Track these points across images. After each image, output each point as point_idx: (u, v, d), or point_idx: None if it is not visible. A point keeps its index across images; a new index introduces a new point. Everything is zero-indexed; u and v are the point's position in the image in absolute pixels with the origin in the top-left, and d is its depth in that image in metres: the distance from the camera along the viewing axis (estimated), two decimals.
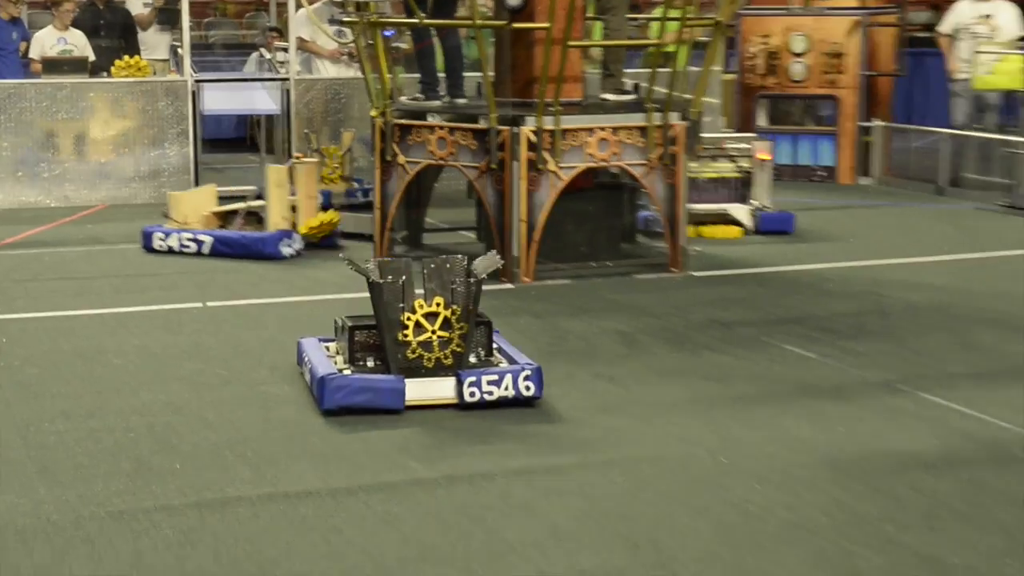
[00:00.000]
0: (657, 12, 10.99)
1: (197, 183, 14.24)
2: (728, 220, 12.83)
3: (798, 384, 8.16)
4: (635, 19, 14.24)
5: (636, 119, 11.02)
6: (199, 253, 11.85)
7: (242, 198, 12.81)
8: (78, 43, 15.63)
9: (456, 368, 7.30)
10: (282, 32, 15.99)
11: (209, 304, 10.11)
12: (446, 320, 7.28)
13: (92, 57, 15.51)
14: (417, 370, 7.24)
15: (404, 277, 7.34)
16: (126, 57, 15.40)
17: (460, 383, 7.20)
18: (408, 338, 7.17)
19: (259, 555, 5.67)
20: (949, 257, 11.87)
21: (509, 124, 10.65)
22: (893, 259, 11.77)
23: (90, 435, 7.18)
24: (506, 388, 7.23)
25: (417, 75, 12.62)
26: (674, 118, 11.07)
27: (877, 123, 16.35)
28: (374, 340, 7.53)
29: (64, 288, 10.57)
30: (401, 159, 11.28)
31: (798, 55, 16.03)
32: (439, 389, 7.30)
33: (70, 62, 15.31)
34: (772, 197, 13.26)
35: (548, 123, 10.62)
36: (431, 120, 11.35)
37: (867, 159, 16.21)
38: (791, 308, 10.12)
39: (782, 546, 5.79)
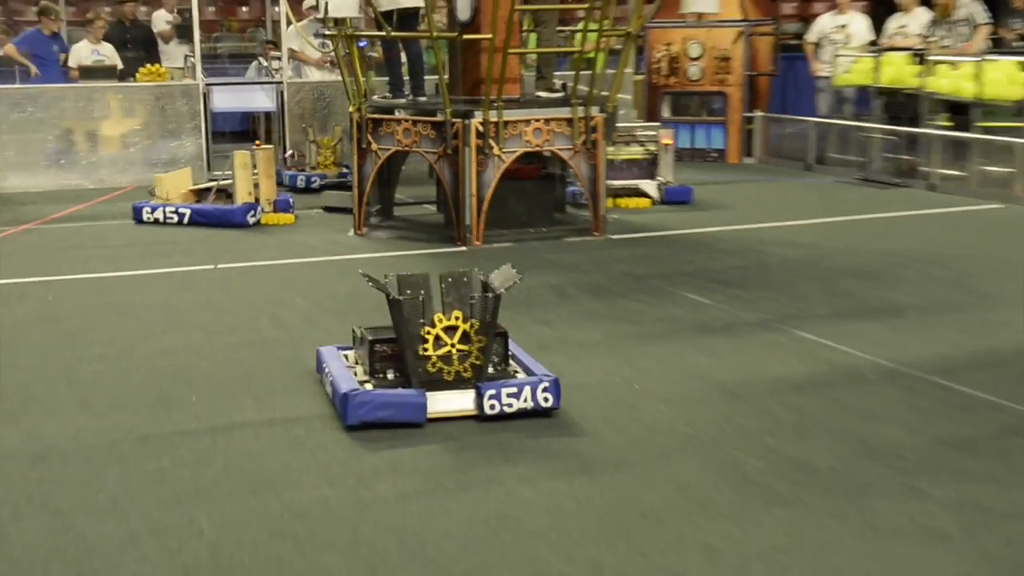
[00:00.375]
0: (580, 25, 10.92)
1: (209, 169, 14.14)
2: (639, 193, 12.83)
3: (695, 324, 8.19)
4: (563, 31, 14.20)
5: (564, 112, 10.99)
6: (180, 223, 11.85)
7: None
8: (109, 54, 15.51)
9: (476, 380, 6.27)
10: (276, 44, 15.84)
11: (220, 266, 10.02)
12: (465, 333, 6.28)
13: (120, 65, 15.41)
14: (437, 383, 6.20)
15: (423, 292, 6.37)
16: (148, 65, 15.30)
17: (480, 396, 6.13)
18: (428, 352, 6.17)
19: (261, 470, 5.67)
20: (816, 220, 11.91)
21: (461, 117, 10.60)
22: (771, 223, 11.81)
23: (121, 373, 7.15)
24: (525, 400, 6.18)
25: (386, 78, 12.59)
26: (594, 111, 11.02)
27: (758, 114, 16.39)
28: (393, 351, 6.44)
29: (99, 255, 10.49)
30: (374, 147, 11.21)
31: (694, 59, 16.06)
32: (459, 402, 6.21)
33: (102, 70, 15.23)
34: (674, 174, 13.25)
35: (492, 116, 10.56)
36: (398, 115, 11.30)
37: (750, 143, 16.25)
38: (690, 263, 10.12)
39: (684, 455, 5.81)
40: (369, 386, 6.21)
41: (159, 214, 11.91)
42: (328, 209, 12.47)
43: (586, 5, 11.14)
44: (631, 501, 5.25)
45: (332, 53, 12.08)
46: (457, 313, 6.25)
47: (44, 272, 9.83)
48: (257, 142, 13.15)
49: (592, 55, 10.83)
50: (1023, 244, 10.67)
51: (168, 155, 14.38)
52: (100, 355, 7.54)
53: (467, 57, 11.36)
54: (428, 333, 6.20)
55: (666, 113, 16.17)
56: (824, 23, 16.65)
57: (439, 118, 10.76)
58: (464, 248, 10.65)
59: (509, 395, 6.12)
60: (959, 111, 14.36)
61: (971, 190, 13.16)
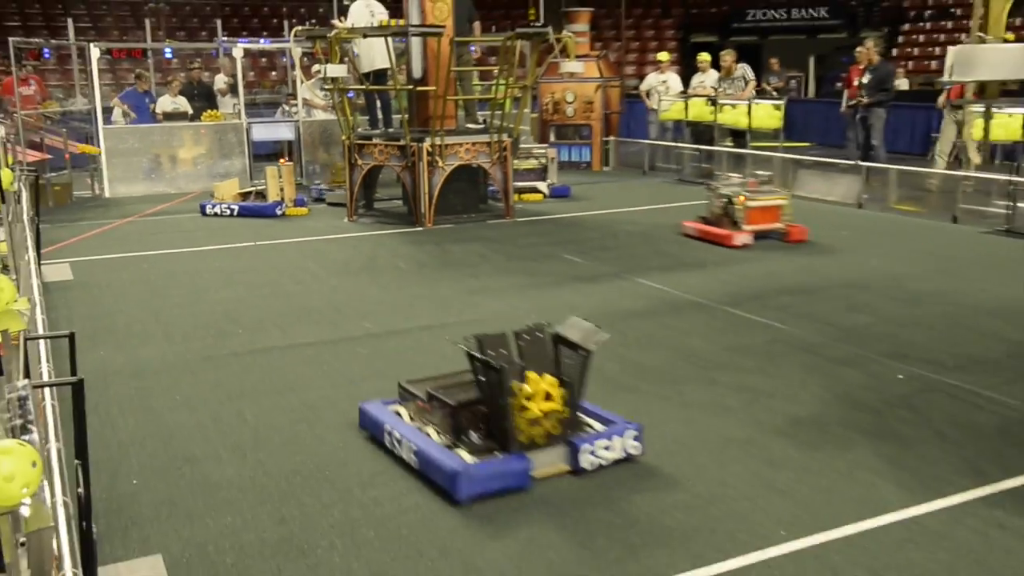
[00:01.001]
0: (495, 81, 10.83)
1: (251, 178, 13.85)
2: (535, 190, 12.76)
3: (571, 275, 8.16)
4: (484, 84, 14.06)
5: (484, 138, 10.88)
6: (231, 215, 11.61)
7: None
8: (182, 104, 15.13)
9: (564, 436, 4.29)
10: (294, 95, 15.51)
11: (258, 243, 9.85)
12: (550, 393, 4.25)
13: (190, 111, 15.05)
14: (531, 445, 4.21)
15: (515, 358, 4.39)
16: (210, 111, 14.99)
17: (576, 451, 4.26)
18: (528, 415, 4.15)
19: (285, 378, 5.61)
20: (648, 207, 11.92)
21: (417, 142, 10.45)
22: (620, 208, 11.81)
23: (191, 315, 7.03)
24: (617, 450, 4.33)
25: (366, 117, 12.41)
26: (504, 137, 10.94)
27: (611, 138, 16.33)
28: (476, 413, 4.37)
29: (177, 237, 10.29)
30: (359, 162, 11.03)
31: (569, 103, 15.95)
32: (556, 459, 4.26)
33: (178, 115, 14.88)
34: (558, 178, 13.20)
35: (437, 140, 10.44)
36: (375, 141, 11.12)
37: (607, 157, 16.19)
38: (568, 236, 10.10)
39: None
40: (464, 454, 4.14)
41: (217, 209, 11.66)
42: (331, 204, 12.30)
43: (497, 68, 11.08)
44: None
45: (331, 101, 11.84)
46: (552, 380, 4.27)
47: (141, 248, 9.62)
48: (282, 160, 12.93)
49: (503, 100, 10.75)
50: None
51: (223, 170, 14.09)
52: (177, 303, 7.41)
53: (420, 102, 11.21)
54: (525, 397, 4.19)
55: (552, 138, 16.07)
56: (651, 79, 16.69)
57: (402, 142, 10.63)
58: (421, 228, 10.52)
59: (604, 448, 4.32)
60: (738, 136, 14.51)
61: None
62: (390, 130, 11.74)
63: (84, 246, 9.85)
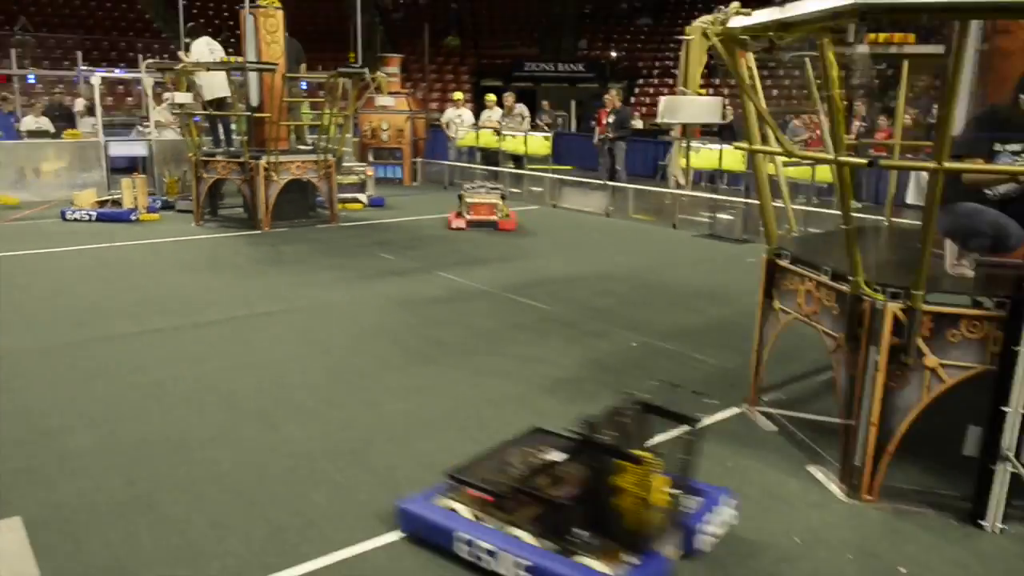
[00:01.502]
0: (323, 109, 10.50)
1: (108, 189, 12.75)
2: (355, 200, 12.49)
3: (385, 270, 8.02)
4: (314, 112, 13.65)
5: (313, 157, 10.54)
6: (90, 220, 10.72)
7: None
8: (45, 124, 13.84)
9: (674, 519, 3.01)
10: (148, 117, 14.46)
11: (114, 244, 9.14)
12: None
13: (53, 130, 13.78)
14: (648, 535, 2.88)
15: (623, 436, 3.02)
16: (70, 130, 13.78)
17: (691, 534, 3.08)
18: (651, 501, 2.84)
19: (137, 359, 5.24)
20: (447, 215, 11.90)
21: (255, 159, 10.00)
22: (425, 216, 11.73)
23: (52, 307, 6.43)
24: (722, 525, 3.23)
25: (210, 137, 11.77)
26: (329, 157, 10.65)
27: (419, 159, 16.22)
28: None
29: (39, 239, 9.37)
30: (205, 176, 10.45)
31: (384, 130, 15.70)
32: (673, 545, 2.99)
33: (42, 133, 13.59)
34: (375, 190, 12.98)
35: (272, 159, 10.03)
36: (218, 158, 10.54)
37: (416, 174, 16.06)
38: (383, 238, 9.93)
39: (378, 338, 5.70)
40: (592, 562, 2.81)
41: (76, 216, 10.72)
42: (180, 211, 11.57)
43: (324, 100, 10.76)
44: (350, 366, 5.14)
45: (178, 123, 11.16)
46: (666, 480, 2.90)
47: (7, 249, 8.70)
48: (135, 173, 12.01)
49: (328, 126, 10.46)
50: (549, 225, 11.02)
51: (82, 182, 12.86)
52: (40, 297, 6.76)
53: (257, 126, 10.72)
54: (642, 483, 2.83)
55: (371, 158, 15.74)
56: (449, 113, 16.66)
57: (242, 159, 10.14)
58: (259, 231, 10.08)
59: (715, 524, 3.19)
60: (517, 159, 14.76)
61: (525, 199, 13.47)
62: (231, 149, 11.18)
63: None
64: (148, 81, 12.88)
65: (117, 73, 17.21)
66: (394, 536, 3.20)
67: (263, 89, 10.60)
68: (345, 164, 12.89)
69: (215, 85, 10.72)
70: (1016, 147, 3.62)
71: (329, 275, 7.79)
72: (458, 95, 17.52)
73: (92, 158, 13.38)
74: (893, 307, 3.41)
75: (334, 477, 3.67)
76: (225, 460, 3.80)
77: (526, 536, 2.97)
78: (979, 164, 3.58)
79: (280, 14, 10.61)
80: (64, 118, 14.87)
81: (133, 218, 10.79)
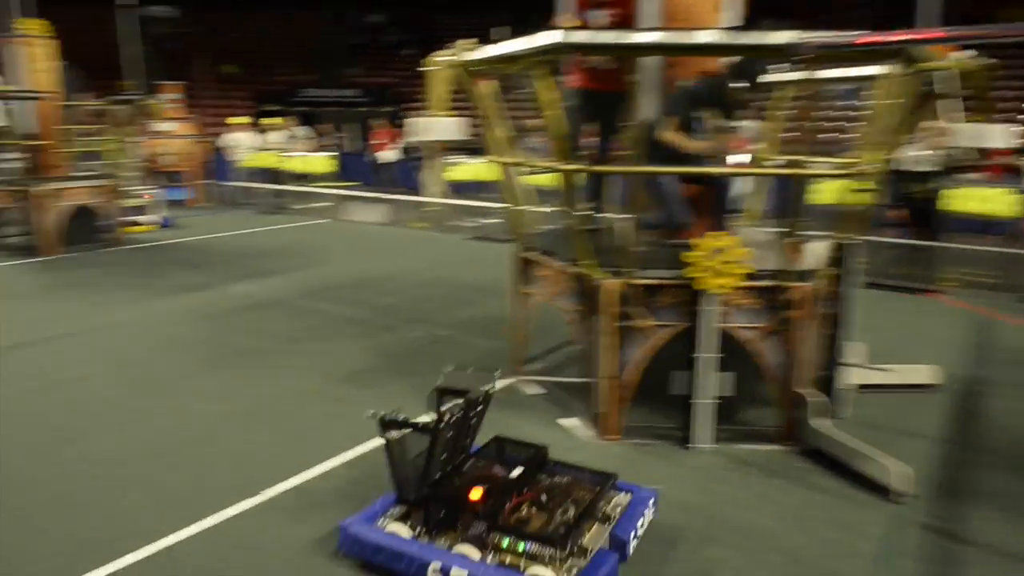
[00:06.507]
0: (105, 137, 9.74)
1: None
2: (141, 223, 11.63)
3: (180, 286, 7.64)
4: (95, 138, 12.55)
5: (96, 182, 9.76)
6: None
7: None
8: None
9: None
10: None
11: None
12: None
13: None
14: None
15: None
16: None
17: (626, 545, 2.82)
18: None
19: (36, 368, 4.68)
20: (236, 232, 11.46)
21: (33, 187, 9.08)
22: (214, 234, 11.23)
23: None
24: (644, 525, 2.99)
25: None
26: (111, 181, 9.91)
27: (205, 181, 15.39)
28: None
29: None
30: None
31: (168, 154, 14.73)
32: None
33: None
34: (164, 212, 12.20)
35: (53, 185, 9.17)
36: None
37: (205, 196, 15.18)
38: (173, 257, 9.41)
39: (177, 351, 5.50)
40: (542, 570, 2.52)
41: None
42: None
43: (102, 127, 9.99)
44: (153, 377, 4.94)
45: None
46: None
47: None
48: None
49: (107, 151, 9.74)
50: (335, 236, 10.97)
51: None
52: None
53: (37, 153, 9.75)
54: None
55: (156, 181, 14.71)
56: (228, 137, 16.03)
57: (22, 188, 9.19)
58: (48, 258, 9.18)
59: (641, 527, 2.96)
60: (303, 178, 14.46)
61: (311, 215, 13.25)
62: (8, 177, 10.06)
63: None
64: None
65: None
66: (210, 522, 3.20)
67: (38, 117, 9.66)
68: (128, 188, 12.00)
69: None
70: (701, 114, 4.25)
71: (125, 294, 7.31)
72: (234, 119, 16.86)
73: None
74: (615, 283, 3.93)
75: (149, 479, 3.58)
76: (36, 473, 3.58)
77: (473, 552, 2.64)
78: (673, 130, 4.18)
79: (52, 43, 9.72)
80: None
81: None
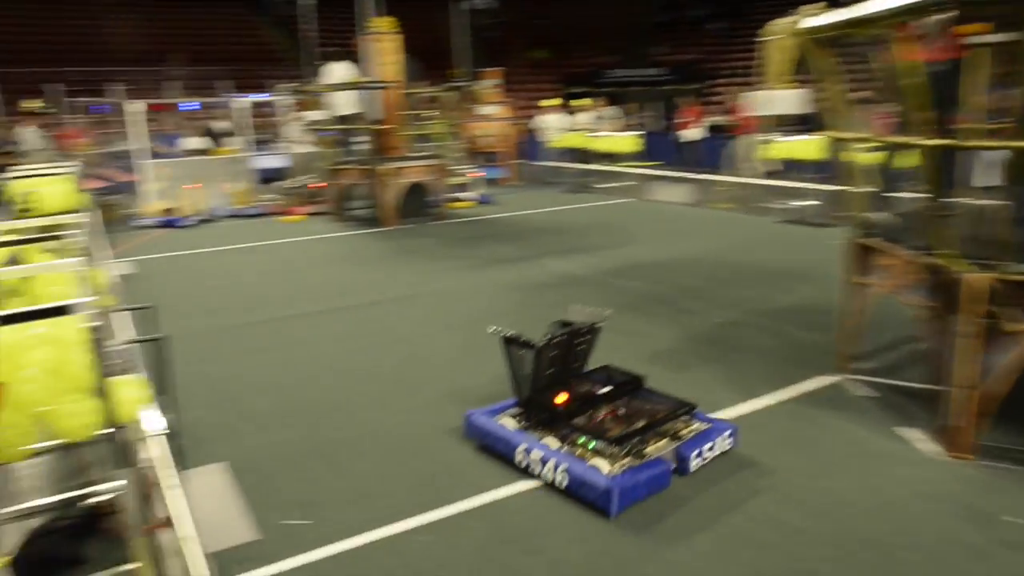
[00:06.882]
0: (434, 120, 10.67)
1: (256, 197, 13.33)
2: (464, 199, 12.70)
3: (496, 259, 8.17)
4: (428, 122, 13.91)
5: (426, 162, 10.85)
6: (154, 227, 11.27)
7: None
8: (203, 143, 14.51)
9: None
10: (283, 134, 14.97)
11: (265, 243, 9.64)
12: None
13: (208, 147, 14.41)
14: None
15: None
16: (221, 148, 14.41)
17: (686, 459, 3.35)
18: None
19: (294, 337, 5.54)
20: (547, 209, 11.98)
21: (379, 165, 10.31)
22: (527, 211, 11.86)
23: (222, 297, 6.88)
24: (717, 449, 3.47)
25: (342, 148, 12.10)
26: (442, 161, 10.92)
27: (519, 161, 16.36)
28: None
29: (203, 240, 9.88)
30: (338, 181, 10.87)
31: (488, 135, 15.86)
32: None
33: (199, 151, 14.26)
34: (482, 190, 13.20)
35: (393, 164, 10.33)
36: (348, 166, 10.89)
37: (517, 174, 16.21)
38: (491, 231, 10.11)
39: (498, 319, 5.84)
40: (599, 462, 3.17)
41: (142, 223, 11.51)
42: (318, 214, 12.05)
43: (435, 111, 11.03)
44: (474, 341, 5.30)
45: (314, 138, 11.57)
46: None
47: (177, 249, 9.29)
48: (195, 184, 12.28)
49: (439, 134, 10.73)
50: (641, 217, 10.96)
51: (231, 191, 13.52)
52: (212, 288, 7.24)
53: (380, 136, 11.08)
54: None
55: (477, 160, 15.96)
56: (539, 120, 16.76)
57: (368, 166, 10.53)
58: (385, 229, 10.44)
59: (709, 449, 3.44)
60: (610, 157, 14.65)
61: (617, 194, 13.40)
62: (358, 158, 11.60)
63: (142, 248, 9.51)
64: (285, 102, 13.41)
65: (256, 97, 18.03)
66: (531, 483, 3.33)
67: (385, 104, 10.96)
68: (454, 167, 13.17)
69: (343, 103, 11.13)
70: None
71: (447, 264, 8.01)
72: (547, 102, 17.58)
73: (240, 171, 14.06)
74: (982, 277, 3.33)
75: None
76: (378, 420, 4.04)
77: (553, 443, 3.39)
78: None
79: (398, 38, 10.91)
80: (215, 137, 15.66)
81: (180, 226, 11.21)
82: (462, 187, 12.82)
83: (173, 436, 2.56)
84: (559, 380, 3.69)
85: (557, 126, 16.19)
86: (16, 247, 3.14)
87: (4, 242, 3.36)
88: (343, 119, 11.27)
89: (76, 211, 5.01)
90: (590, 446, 3.30)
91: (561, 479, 3.22)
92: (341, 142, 12.27)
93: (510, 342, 3.69)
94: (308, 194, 12.72)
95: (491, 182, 15.35)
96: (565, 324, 3.73)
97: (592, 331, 3.85)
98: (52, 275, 2.79)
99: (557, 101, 17.60)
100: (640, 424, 3.39)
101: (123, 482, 2.00)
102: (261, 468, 3.53)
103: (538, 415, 3.57)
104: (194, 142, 14.67)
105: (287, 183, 13.08)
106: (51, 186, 5.66)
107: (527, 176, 16.27)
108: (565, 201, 12.85)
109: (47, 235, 3.54)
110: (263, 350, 5.26)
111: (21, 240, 3.36)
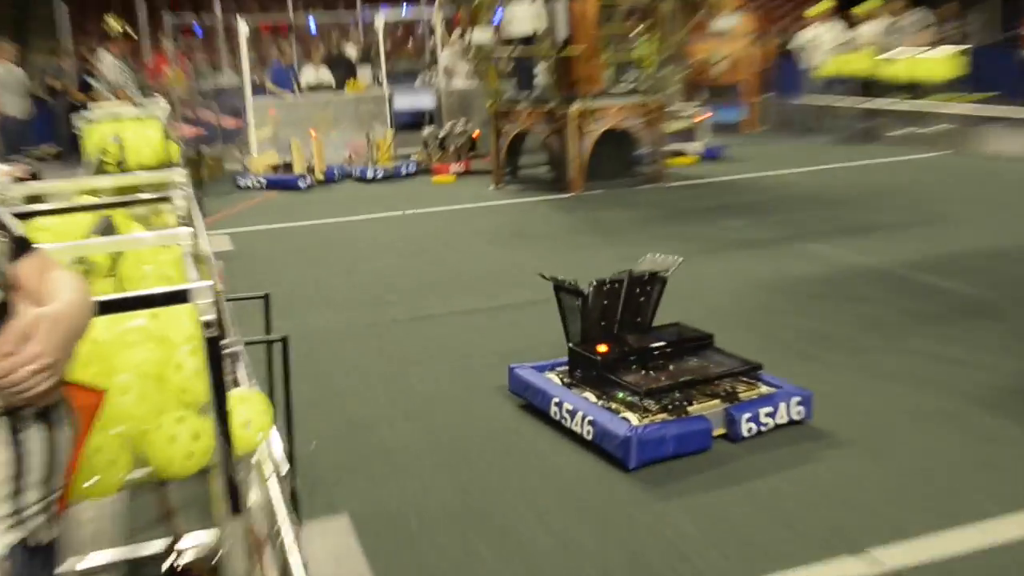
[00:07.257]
0: (641, 41, 10.66)
1: (394, 150, 13.96)
2: (685, 153, 12.59)
3: (735, 241, 8.06)
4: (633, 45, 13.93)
5: (633, 100, 10.87)
6: (262, 188, 12.29)
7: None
8: (325, 76, 15.45)
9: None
10: (435, 62, 15.62)
11: (408, 212, 10.08)
12: None
13: (333, 83, 15.31)
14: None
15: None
16: (351, 81, 15.25)
17: (735, 421, 4.10)
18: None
19: (446, 345, 5.70)
20: (808, 168, 11.63)
21: (566, 105, 10.46)
22: (777, 171, 11.56)
23: (349, 284, 7.29)
24: (780, 416, 4.20)
25: (512, 81, 12.36)
26: (656, 99, 10.91)
27: (765, 96, 15.98)
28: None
29: (325, 207, 10.54)
30: (505, 129, 11.15)
31: (720, 61, 15.61)
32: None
33: (323, 87, 15.20)
34: (708, 139, 13.02)
35: (587, 104, 10.44)
36: (522, 107, 11.13)
37: (762, 117, 15.83)
38: (724, 199, 9.97)
39: (739, 329, 5.70)
40: (629, 415, 4.03)
41: (249, 182, 12.42)
42: (473, 172, 12.42)
43: (645, 28, 10.98)
44: None
45: (474, 68, 11.95)
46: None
47: (290, 219, 9.97)
48: (312, 132, 12.94)
49: (651, 61, 10.66)
50: (963, 181, 10.37)
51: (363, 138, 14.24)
52: (335, 272, 7.68)
53: (566, 66, 11.18)
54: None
55: (702, 97, 15.75)
56: (803, 35, 16.20)
57: (551, 107, 10.65)
58: (568, 194, 10.54)
59: (767, 414, 4.17)
60: (911, 89, 13.89)
61: (922, 145, 12.74)
62: (535, 95, 11.77)
63: (239, 218, 10.25)
64: (438, 17, 13.87)
65: (402, 12, 18.76)
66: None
67: (572, 19, 11.02)
68: (671, 107, 13.05)
69: (519, 19, 11.31)
70: None
71: (663, 248, 7.85)
72: (812, 11, 16.91)
73: (375, 113, 14.75)
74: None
75: None
76: (564, 466, 4.02)
77: (591, 396, 4.28)
78: None
79: None
80: (342, 67, 16.57)
81: (302, 186, 12.03)
82: (684, 135, 12.67)
83: (289, 475, 2.66)
84: (614, 334, 4.53)
85: (828, 43, 15.56)
86: (100, 211, 3.41)
87: (86, 205, 3.68)
88: (517, 42, 11.46)
89: (169, 165, 5.43)
90: (624, 399, 4.15)
91: (588, 430, 4.09)
92: (513, 73, 12.54)
93: (559, 288, 4.56)
94: (465, 145, 13.11)
95: (724, 128, 15.08)
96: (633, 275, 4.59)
97: (654, 281, 4.63)
98: (142, 251, 3.00)
99: (827, 5, 16.89)
100: (683, 379, 4.21)
101: (224, 534, 2.08)
102: (398, 527, 3.61)
103: (585, 371, 4.42)
104: (315, 75, 15.58)
105: (435, 131, 13.55)
106: (138, 133, 6.19)
107: (778, 118, 15.84)
108: (838, 156, 12.42)
109: (135, 198, 3.84)
110: (400, 360, 5.43)
111: (106, 204, 3.66)
